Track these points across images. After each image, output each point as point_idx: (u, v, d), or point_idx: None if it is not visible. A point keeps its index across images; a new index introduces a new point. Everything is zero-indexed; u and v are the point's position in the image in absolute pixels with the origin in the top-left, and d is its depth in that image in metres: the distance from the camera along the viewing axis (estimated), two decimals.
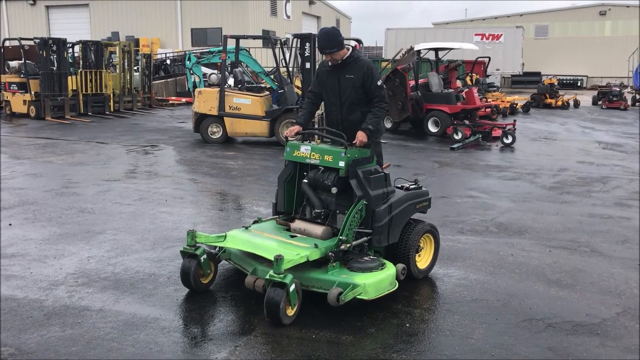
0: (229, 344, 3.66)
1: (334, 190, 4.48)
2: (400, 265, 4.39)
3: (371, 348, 3.67)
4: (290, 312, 3.87)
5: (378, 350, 3.63)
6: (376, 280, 4.06)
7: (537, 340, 3.78)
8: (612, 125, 17.83)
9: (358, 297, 3.96)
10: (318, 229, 4.48)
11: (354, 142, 4.50)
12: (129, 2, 32.09)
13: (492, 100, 19.39)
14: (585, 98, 26.51)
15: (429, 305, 4.40)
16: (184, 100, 21.47)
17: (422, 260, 4.82)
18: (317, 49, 10.03)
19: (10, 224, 6.12)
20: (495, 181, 9.09)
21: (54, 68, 16.51)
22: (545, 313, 4.19)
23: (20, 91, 16.82)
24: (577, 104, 24.14)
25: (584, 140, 14.14)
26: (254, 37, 15.28)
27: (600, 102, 24.42)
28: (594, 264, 5.28)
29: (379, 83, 4.66)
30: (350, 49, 4.73)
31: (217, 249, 4.59)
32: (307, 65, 11.80)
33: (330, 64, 4.74)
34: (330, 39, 4.61)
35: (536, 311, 4.22)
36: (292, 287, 3.81)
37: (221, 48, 13.24)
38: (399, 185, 4.86)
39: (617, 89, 24.14)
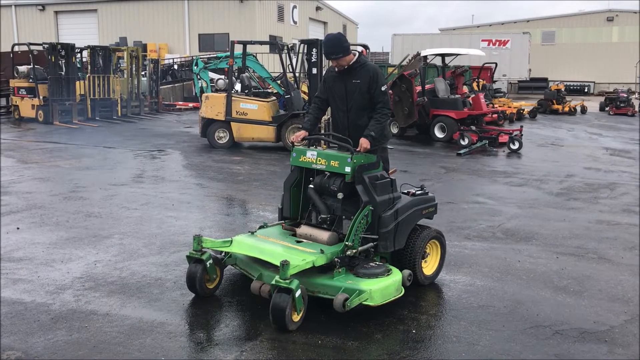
0: (235, 349, 3.66)
1: (340, 195, 4.48)
2: (407, 271, 4.38)
3: (377, 354, 3.66)
4: (296, 317, 3.87)
5: (384, 357, 3.62)
6: (382, 287, 4.05)
7: (544, 348, 3.76)
8: (620, 131, 17.75)
9: (364, 303, 3.95)
10: (324, 235, 4.48)
11: (357, 149, 4.49)
12: (137, 7, 32.30)
13: (499, 106, 19.36)
14: (593, 104, 26.43)
15: (436, 311, 4.38)
16: (191, 105, 21.56)
17: (429, 267, 4.81)
18: (323, 55, 10.06)
19: (18, 228, 6.15)
20: (502, 187, 9.06)
21: (62, 73, 16.65)
22: (553, 320, 4.16)
23: (28, 96, 16.96)
24: (584, 110, 24.06)
25: (591, 147, 14.08)
26: (261, 43, 15.34)
27: (607, 108, 24.34)
28: (601, 271, 5.24)
29: (383, 88, 4.66)
30: (357, 54, 4.74)
31: (223, 254, 4.60)
32: (314, 70, 11.83)
33: (336, 69, 4.75)
34: (336, 44, 4.62)
35: (543, 318, 4.19)
36: (298, 293, 3.81)
37: (228, 53, 13.29)
38: (405, 191, 4.85)
39: (625, 95, 24.05)
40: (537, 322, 4.13)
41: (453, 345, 3.78)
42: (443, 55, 15.98)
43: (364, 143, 4.50)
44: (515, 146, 12.72)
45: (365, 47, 14.40)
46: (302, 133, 4.77)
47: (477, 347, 3.74)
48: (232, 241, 4.48)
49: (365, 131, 4.58)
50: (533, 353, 3.68)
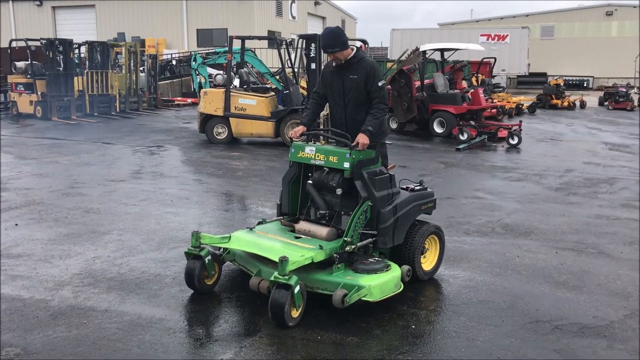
0: (234, 344, 3.66)
1: (338, 191, 4.47)
2: (406, 267, 4.38)
3: (376, 350, 3.66)
4: (295, 313, 3.86)
5: (383, 352, 3.62)
6: (381, 282, 4.05)
7: (544, 343, 3.76)
8: (619, 126, 17.75)
9: (363, 299, 3.95)
10: (323, 230, 4.47)
11: (354, 144, 4.46)
12: (135, 3, 32.21)
13: (498, 101, 19.33)
14: (592, 99, 26.40)
15: (435, 306, 4.38)
16: (189, 100, 21.53)
17: (427, 262, 4.80)
18: (321, 49, 10.03)
19: (16, 224, 6.14)
20: (501, 182, 9.05)
21: (60, 69, 16.61)
22: (552, 315, 4.16)
23: (26, 92, 16.92)
24: (583, 105, 24.06)
25: (590, 141, 14.07)
26: (260, 38, 15.28)
27: (606, 103, 24.34)
28: (601, 266, 5.24)
29: (379, 84, 4.62)
30: (355, 49, 4.72)
31: (222, 250, 4.59)
32: (313, 66, 11.81)
33: (334, 64, 4.73)
34: (334, 38, 4.59)
35: (543, 313, 4.19)
36: (297, 289, 3.80)
37: (227, 49, 13.25)
38: (404, 187, 4.84)
39: (624, 90, 24.05)
40: (536, 317, 4.13)
41: (452, 341, 3.77)
42: (442, 50, 15.95)
43: (362, 139, 4.45)
44: (515, 141, 12.71)
45: (364, 42, 14.38)
46: (301, 128, 4.75)
47: (477, 343, 3.74)
48: (230, 237, 4.47)
49: (363, 126, 4.54)
50: (533, 348, 3.68)
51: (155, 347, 3.60)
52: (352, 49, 4.68)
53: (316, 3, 38.05)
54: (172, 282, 4.60)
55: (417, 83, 14.55)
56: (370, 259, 4.26)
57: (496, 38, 32.66)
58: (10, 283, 4.54)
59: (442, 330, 3.94)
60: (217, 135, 12.39)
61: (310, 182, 4.70)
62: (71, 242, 5.58)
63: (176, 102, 21.94)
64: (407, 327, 3.96)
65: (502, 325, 4.00)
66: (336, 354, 3.57)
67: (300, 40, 12.49)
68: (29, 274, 4.74)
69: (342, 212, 4.58)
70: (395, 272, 4.20)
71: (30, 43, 17.23)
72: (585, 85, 37.63)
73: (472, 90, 15.15)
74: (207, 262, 4.32)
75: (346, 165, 4.39)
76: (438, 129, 14.23)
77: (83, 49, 18.43)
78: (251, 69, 14.34)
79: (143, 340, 3.66)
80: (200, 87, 15.17)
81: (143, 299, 4.30)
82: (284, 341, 3.70)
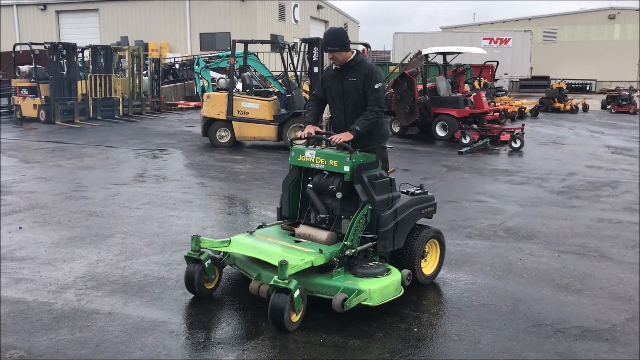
0: (237, 347, 3.67)
1: (338, 195, 4.47)
2: (406, 271, 4.37)
3: (379, 353, 3.66)
4: (295, 318, 3.86)
5: (385, 355, 3.63)
6: (381, 286, 4.05)
7: (546, 346, 3.76)
8: (622, 129, 17.73)
9: (363, 303, 3.94)
10: (323, 234, 4.47)
11: (330, 138, 4.48)
12: (139, 7, 32.32)
13: (500, 105, 19.35)
14: (594, 102, 26.41)
15: (437, 309, 4.38)
16: (192, 104, 21.57)
17: (428, 266, 4.80)
18: (323, 49, 10.06)
19: (20, 228, 6.17)
20: (503, 185, 9.06)
21: (64, 72, 16.68)
22: (554, 318, 4.17)
23: (30, 95, 16.98)
24: (585, 108, 24.04)
25: (592, 145, 14.06)
26: (262, 42, 15.34)
27: (609, 106, 24.34)
28: (603, 269, 5.24)
29: (376, 86, 4.60)
30: (355, 52, 4.73)
31: (222, 254, 4.59)
32: (315, 69, 11.84)
33: (334, 66, 4.75)
34: (335, 37, 4.61)
35: (545, 316, 4.20)
36: (297, 293, 3.80)
37: (229, 52, 13.29)
38: (405, 191, 4.85)
39: (627, 93, 24.05)
40: (538, 320, 4.13)
41: (454, 344, 3.78)
42: (444, 54, 15.97)
43: (344, 135, 4.48)
44: (517, 144, 12.72)
45: (367, 45, 14.41)
46: (311, 128, 4.75)
47: (479, 346, 3.75)
48: (230, 241, 4.46)
49: (351, 125, 4.57)
50: (534, 351, 3.69)
51: (158, 350, 3.61)
52: (353, 52, 4.70)
53: (319, 7, 38.13)
54: (175, 285, 4.62)
55: (420, 86, 14.57)
56: (371, 263, 4.26)
57: (499, 41, 32.66)
58: (14, 286, 4.57)
59: (444, 334, 3.94)
60: (219, 138, 12.42)
61: (310, 185, 4.71)
62: (74, 246, 5.61)
63: (179, 106, 21.99)
64: (409, 330, 3.97)
65: (504, 328, 4.01)
66: (338, 356, 3.58)
67: (303, 43, 12.54)
68: (33, 277, 4.76)
69: (342, 216, 4.58)
70: (395, 276, 4.20)
71: (34, 47, 17.30)
72: (587, 88, 37.65)
73: (475, 94, 15.17)
74: (207, 266, 4.32)
75: (346, 169, 4.40)
76: (440, 133, 14.24)
77: (86, 52, 18.49)
78: (254, 72, 14.38)
79: (146, 343, 3.68)
80: (203, 90, 15.21)
81: (146, 302, 4.31)
82: (286, 344, 3.71)
